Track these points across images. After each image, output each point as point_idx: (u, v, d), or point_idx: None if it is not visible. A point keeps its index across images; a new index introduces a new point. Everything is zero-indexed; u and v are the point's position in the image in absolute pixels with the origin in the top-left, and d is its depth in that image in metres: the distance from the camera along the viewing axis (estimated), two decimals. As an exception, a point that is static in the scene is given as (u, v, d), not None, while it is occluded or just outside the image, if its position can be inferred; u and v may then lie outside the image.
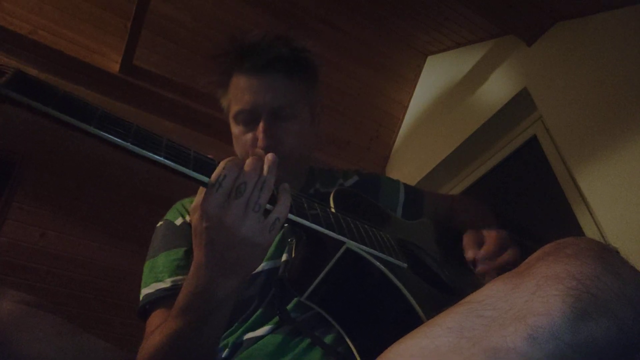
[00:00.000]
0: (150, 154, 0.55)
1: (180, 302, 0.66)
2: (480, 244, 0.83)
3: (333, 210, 0.76)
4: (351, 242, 0.69)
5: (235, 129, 0.96)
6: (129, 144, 0.54)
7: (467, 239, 0.86)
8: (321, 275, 0.69)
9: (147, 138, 0.57)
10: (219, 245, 0.59)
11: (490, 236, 0.84)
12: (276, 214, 0.60)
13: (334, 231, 0.68)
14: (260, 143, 0.90)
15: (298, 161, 0.97)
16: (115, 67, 2.44)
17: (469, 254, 0.83)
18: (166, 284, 0.82)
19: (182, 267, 0.85)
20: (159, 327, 0.72)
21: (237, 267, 0.61)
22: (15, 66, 0.51)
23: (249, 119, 0.93)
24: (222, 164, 0.58)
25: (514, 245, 0.84)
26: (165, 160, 0.56)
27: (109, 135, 0.53)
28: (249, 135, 0.93)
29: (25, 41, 2.30)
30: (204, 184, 0.59)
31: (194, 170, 0.57)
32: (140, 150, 0.55)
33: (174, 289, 0.81)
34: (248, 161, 0.59)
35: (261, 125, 0.91)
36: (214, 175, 0.57)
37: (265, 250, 0.62)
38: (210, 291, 0.62)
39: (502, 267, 0.80)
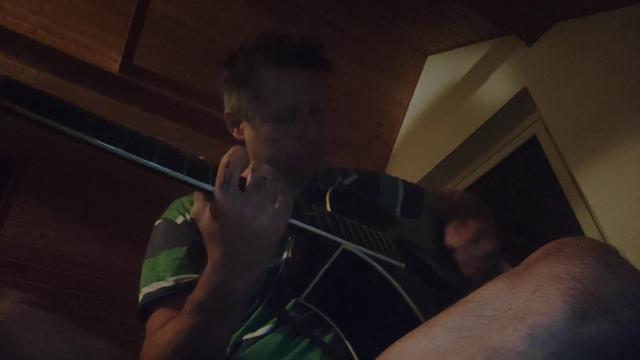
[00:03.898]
0: (145, 161, 0.55)
1: (197, 299, 0.66)
2: (462, 232, 0.89)
3: (329, 209, 0.76)
4: (348, 243, 0.69)
5: (272, 127, 0.93)
6: (121, 150, 0.54)
7: (450, 227, 0.91)
8: (318, 277, 0.69)
9: (142, 143, 0.56)
10: (240, 240, 0.60)
11: (471, 226, 0.89)
12: (281, 196, 0.62)
13: (330, 232, 0.68)
14: (314, 135, 0.91)
15: (326, 154, 1.00)
16: (115, 66, 2.44)
17: (447, 240, 0.89)
18: (169, 282, 0.82)
19: (185, 266, 0.84)
20: (168, 325, 0.72)
21: (256, 260, 0.62)
22: (3, 73, 0.50)
23: (288, 115, 0.92)
24: (223, 163, 0.58)
25: (495, 237, 0.88)
26: (160, 167, 0.56)
27: (102, 143, 0.53)
28: (295, 130, 0.92)
29: (25, 41, 2.30)
30: (206, 191, 0.59)
31: (187, 175, 0.58)
32: (135, 157, 0.55)
33: (177, 288, 0.80)
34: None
35: (309, 118, 0.92)
36: (219, 177, 0.58)
37: (279, 237, 0.63)
38: (230, 286, 0.63)
39: (478, 257, 0.85)
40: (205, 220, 0.61)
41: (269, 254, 0.64)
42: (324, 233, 0.67)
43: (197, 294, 0.66)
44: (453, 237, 0.90)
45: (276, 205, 0.61)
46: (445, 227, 0.94)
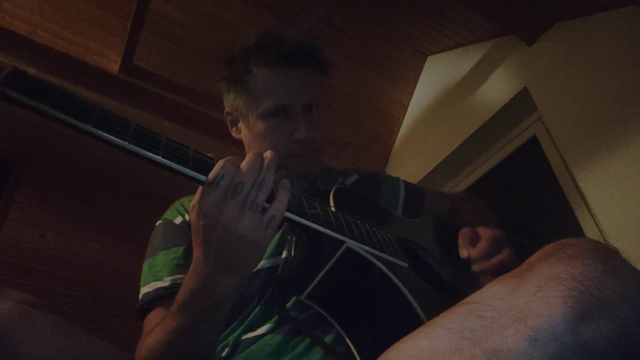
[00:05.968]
0: (149, 154, 0.55)
1: (180, 300, 0.66)
2: (474, 242, 0.84)
3: (333, 209, 0.76)
4: (351, 241, 0.69)
5: (264, 124, 0.93)
6: (127, 143, 0.54)
7: (462, 237, 0.87)
8: (321, 275, 0.69)
9: (146, 137, 0.56)
10: (215, 243, 0.59)
11: (485, 235, 0.85)
12: (272, 212, 0.60)
13: (333, 230, 0.68)
14: (304, 134, 0.91)
15: (322, 155, 1.00)
16: (115, 67, 2.44)
17: (463, 252, 0.85)
18: (165, 282, 0.82)
19: (182, 266, 0.84)
20: (158, 325, 0.72)
21: (235, 265, 0.61)
22: (13, 64, 0.50)
23: (280, 112, 0.93)
24: (219, 164, 0.58)
25: (510, 245, 0.84)
26: (164, 160, 0.56)
27: (107, 135, 0.53)
28: (286, 128, 0.92)
29: (25, 41, 2.29)
30: (202, 183, 0.59)
31: (192, 170, 0.57)
32: (139, 149, 0.54)
33: (173, 288, 0.80)
34: (246, 160, 0.59)
35: (302, 117, 0.92)
36: (211, 175, 0.57)
37: (263, 248, 0.62)
38: (209, 289, 0.62)
39: (497, 267, 0.81)
40: (193, 216, 0.61)
41: (252, 260, 0.63)
42: (327, 231, 0.67)
43: (180, 294, 0.66)
44: (468, 249, 0.85)
45: (261, 218, 0.59)
46: (450, 232, 0.93)
